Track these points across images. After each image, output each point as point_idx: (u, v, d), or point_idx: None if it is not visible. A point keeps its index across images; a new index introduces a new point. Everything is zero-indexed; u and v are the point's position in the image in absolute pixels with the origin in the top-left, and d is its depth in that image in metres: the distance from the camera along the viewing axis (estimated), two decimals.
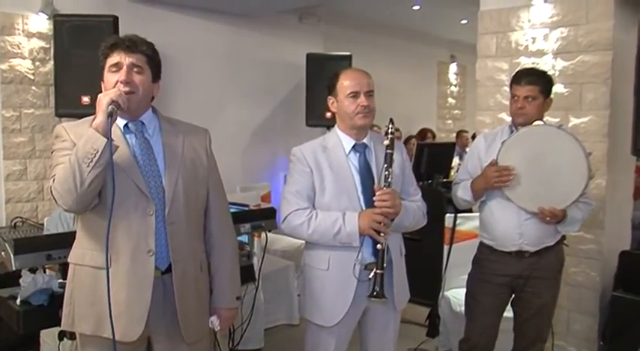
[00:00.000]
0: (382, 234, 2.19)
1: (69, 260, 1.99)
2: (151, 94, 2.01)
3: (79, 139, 1.82)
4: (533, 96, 2.69)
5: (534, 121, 2.71)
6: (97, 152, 1.73)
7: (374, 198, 2.22)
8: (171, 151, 1.99)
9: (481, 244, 2.91)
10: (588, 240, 3.63)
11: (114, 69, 1.90)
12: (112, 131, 1.77)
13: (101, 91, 1.93)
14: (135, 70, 1.91)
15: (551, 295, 2.83)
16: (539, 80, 2.72)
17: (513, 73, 2.84)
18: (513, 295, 2.86)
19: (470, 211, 3.69)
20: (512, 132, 2.76)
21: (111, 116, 1.77)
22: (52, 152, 1.95)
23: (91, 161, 1.73)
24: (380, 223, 2.19)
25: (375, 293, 2.19)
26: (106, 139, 1.74)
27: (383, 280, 2.19)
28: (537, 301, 2.78)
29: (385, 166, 2.25)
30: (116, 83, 1.88)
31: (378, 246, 2.20)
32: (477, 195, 2.80)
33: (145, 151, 1.95)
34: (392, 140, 2.28)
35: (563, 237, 2.84)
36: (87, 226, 1.93)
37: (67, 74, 4.09)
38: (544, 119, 2.79)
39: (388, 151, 2.26)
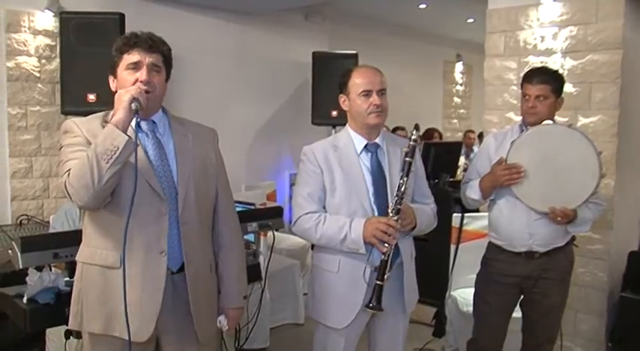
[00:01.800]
0: (387, 245, 2.15)
1: (77, 259, 1.97)
2: (164, 93, 1.99)
3: (92, 136, 1.81)
4: (545, 95, 2.66)
5: (545, 120, 2.68)
6: (118, 149, 1.71)
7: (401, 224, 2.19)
8: (183, 151, 1.98)
9: (490, 244, 2.89)
10: (596, 240, 3.61)
11: (132, 67, 1.88)
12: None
13: (109, 88, 1.92)
14: (154, 69, 1.90)
15: (561, 296, 2.81)
16: (551, 79, 2.69)
17: (524, 72, 2.82)
18: (522, 296, 2.84)
19: (477, 210, 3.67)
20: (522, 131, 2.73)
21: (137, 113, 1.77)
22: (61, 148, 1.91)
23: (111, 158, 1.71)
24: (385, 232, 2.14)
25: (371, 305, 2.18)
26: (127, 137, 1.72)
27: (382, 292, 2.16)
28: (547, 302, 2.76)
29: (401, 174, 2.21)
30: (135, 82, 1.86)
31: (382, 256, 2.17)
32: (486, 193, 2.78)
33: (158, 151, 1.94)
34: (414, 148, 2.23)
35: (573, 238, 2.82)
36: (97, 225, 1.91)
37: (73, 72, 4.09)
38: (554, 118, 2.77)
39: (407, 159, 2.22)
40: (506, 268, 2.77)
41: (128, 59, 1.88)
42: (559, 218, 2.61)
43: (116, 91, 1.88)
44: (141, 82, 1.85)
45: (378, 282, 2.16)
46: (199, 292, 1.97)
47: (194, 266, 1.95)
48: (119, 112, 1.77)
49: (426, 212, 2.37)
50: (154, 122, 1.97)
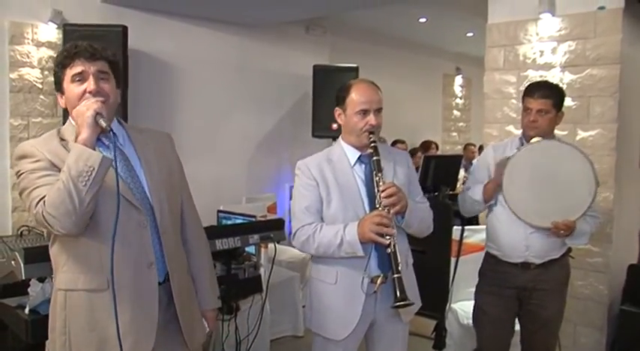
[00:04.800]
0: (388, 236, 2.13)
1: (58, 287, 1.85)
2: (118, 101, 1.89)
3: (54, 156, 1.74)
4: (546, 109, 2.68)
5: (546, 134, 2.71)
6: (94, 169, 1.63)
7: (382, 195, 2.16)
8: (147, 161, 1.92)
9: (487, 254, 2.92)
10: (595, 253, 3.62)
11: (77, 78, 1.79)
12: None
13: (58, 107, 1.84)
14: (101, 77, 1.81)
15: (558, 308, 2.82)
16: (553, 94, 2.70)
17: (526, 86, 2.84)
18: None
19: (477, 223, 3.67)
20: (522, 144, 2.76)
21: (110, 129, 1.70)
22: (21, 174, 1.76)
23: (88, 179, 1.63)
24: (381, 224, 2.12)
25: (397, 296, 2.10)
26: (101, 154, 1.65)
27: (402, 283, 2.11)
28: (543, 313, 2.78)
29: (374, 172, 2.23)
30: (83, 94, 1.77)
31: (388, 250, 2.13)
32: (488, 196, 2.80)
33: (123, 163, 1.85)
34: (375, 148, 2.26)
35: (569, 249, 2.84)
36: (76, 249, 1.80)
37: None
38: (554, 133, 2.80)
39: (374, 158, 2.24)
40: (502, 278, 2.79)
41: (71, 72, 1.80)
42: (562, 231, 2.61)
43: (65, 108, 1.81)
44: (89, 92, 1.77)
45: (395, 276, 2.11)
46: (185, 299, 1.95)
47: (177, 274, 1.92)
48: (84, 130, 1.67)
49: (418, 208, 2.36)
50: (114, 133, 1.80)
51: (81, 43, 1.83)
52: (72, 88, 1.80)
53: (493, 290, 2.83)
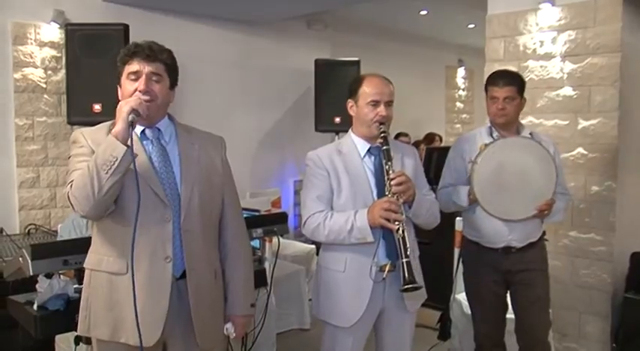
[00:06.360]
0: (397, 222, 2.18)
1: (85, 266, 2.00)
2: (169, 101, 2.02)
3: (97, 146, 1.84)
4: (512, 96, 2.77)
5: (513, 120, 2.82)
6: (116, 160, 1.74)
7: (392, 183, 2.22)
8: (188, 159, 2.00)
9: (467, 242, 2.96)
10: (599, 242, 3.63)
11: (133, 77, 1.91)
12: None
13: (116, 99, 1.94)
14: (154, 78, 1.92)
15: (543, 289, 2.87)
16: (516, 81, 2.81)
17: (488, 76, 2.90)
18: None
19: None
20: (491, 133, 2.86)
21: (132, 125, 1.79)
22: (69, 157, 1.96)
23: (110, 168, 1.74)
24: (389, 210, 2.17)
25: (405, 279, 2.14)
26: (125, 147, 1.75)
27: (411, 267, 2.16)
28: (529, 293, 2.83)
29: (384, 160, 2.28)
30: (134, 91, 1.89)
31: (397, 235, 2.17)
32: (473, 201, 2.85)
33: (162, 158, 1.96)
34: (384, 138, 2.32)
35: (544, 233, 2.92)
36: (103, 232, 1.94)
37: (78, 82, 4.15)
38: (519, 119, 2.90)
39: (384, 148, 2.30)
40: (485, 263, 2.85)
41: (128, 69, 1.92)
42: (546, 211, 2.73)
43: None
44: (139, 91, 1.88)
45: (404, 260, 2.16)
46: (201, 299, 1.98)
47: (196, 274, 1.96)
48: (119, 123, 1.79)
49: (425, 199, 2.41)
50: (159, 129, 2.00)
51: (142, 43, 1.96)
52: (126, 85, 1.93)
53: (479, 275, 2.89)
